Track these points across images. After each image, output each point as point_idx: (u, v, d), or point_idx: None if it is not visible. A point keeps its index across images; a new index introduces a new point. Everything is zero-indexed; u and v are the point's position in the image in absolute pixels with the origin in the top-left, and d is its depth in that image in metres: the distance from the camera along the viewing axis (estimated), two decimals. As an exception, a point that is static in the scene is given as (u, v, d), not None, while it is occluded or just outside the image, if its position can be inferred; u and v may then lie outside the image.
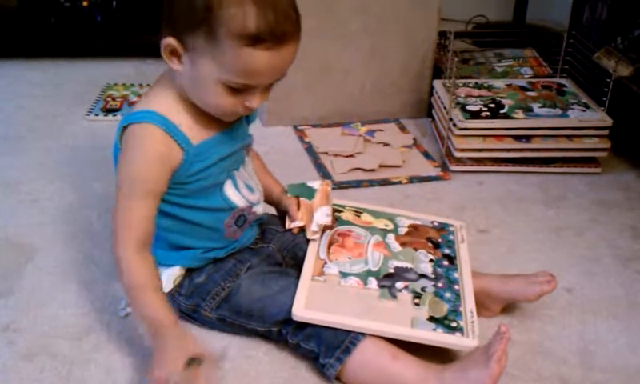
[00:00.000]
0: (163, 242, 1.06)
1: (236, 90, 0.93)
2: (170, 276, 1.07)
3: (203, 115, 0.99)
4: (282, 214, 1.20)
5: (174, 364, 0.88)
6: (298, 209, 1.16)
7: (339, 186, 1.52)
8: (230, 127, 1.04)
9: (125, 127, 0.99)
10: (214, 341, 1.06)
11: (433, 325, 0.98)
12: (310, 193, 1.19)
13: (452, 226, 1.23)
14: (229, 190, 1.05)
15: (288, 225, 1.16)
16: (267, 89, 0.97)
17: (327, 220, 1.14)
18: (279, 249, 1.15)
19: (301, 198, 1.18)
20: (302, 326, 0.99)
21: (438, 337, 0.97)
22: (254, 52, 0.89)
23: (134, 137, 0.98)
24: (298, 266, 1.12)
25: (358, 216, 1.21)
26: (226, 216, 1.06)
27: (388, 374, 0.95)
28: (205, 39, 0.90)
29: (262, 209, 1.12)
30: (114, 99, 1.92)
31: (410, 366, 0.95)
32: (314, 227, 1.13)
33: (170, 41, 0.92)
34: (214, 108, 0.97)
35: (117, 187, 0.99)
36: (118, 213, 0.98)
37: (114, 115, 1.83)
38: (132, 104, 1.89)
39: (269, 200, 1.20)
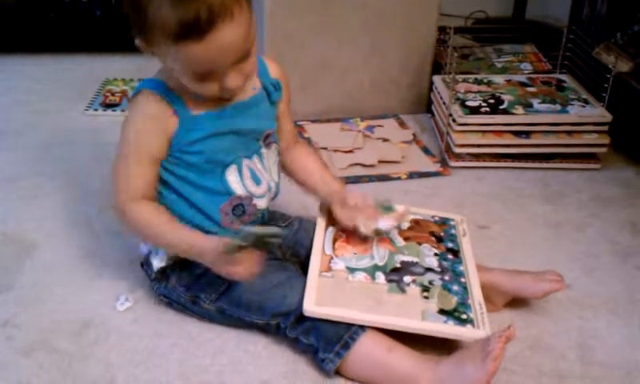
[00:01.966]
0: None
1: (205, 75, 0.94)
2: (164, 255, 1.08)
3: None
4: (349, 205, 1.11)
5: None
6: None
7: (338, 181, 1.52)
8: (241, 102, 1.03)
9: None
10: (212, 334, 1.07)
11: (444, 317, 0.99)
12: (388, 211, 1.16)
13: (453, 220, 1.23)
14: (230, 175, 1.05)
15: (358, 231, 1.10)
16: (240, 65, 0.95)
17: (388, 227, 1.10)
18: (279, 245, 1.15)
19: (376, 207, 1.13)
20: (301, 319, 0.99)
21: (449, 329, 0.97)
22: (189, 45, 0.88)
23: (131, 103, 1.02)
24: (299, 262, 1.12)
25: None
26: (223, 201, 1.06)
27: (384, 366, 0.95)
28: (149, 42, 0.93)
29: (265, 203, 1.11)
30: (113, 94, 1.92)
31: (405, 358, 0.95)
32: (372, 225, 1.09)
33: (137, 42, 0.95)
34: (197, 93, 0.98)
35: (117, 149, 1.03)
36: (114, 174, 1.03)
37: (113, 110, 1.83)
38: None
39: (329, 194, 1.14)
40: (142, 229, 1.02)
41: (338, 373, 0.98)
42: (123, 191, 1.01)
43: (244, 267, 0.96)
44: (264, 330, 1.05)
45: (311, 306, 0.98)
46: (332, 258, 1.08)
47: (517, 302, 1.15)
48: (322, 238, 1.12)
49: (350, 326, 0.97)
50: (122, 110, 1.82)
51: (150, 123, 1.00)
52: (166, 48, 0.90)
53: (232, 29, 0.88)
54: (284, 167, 1.18)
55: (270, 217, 1.18)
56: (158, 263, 1.08)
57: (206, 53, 0.89)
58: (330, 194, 1.14)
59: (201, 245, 0.98)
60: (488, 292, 1.09)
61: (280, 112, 1.13)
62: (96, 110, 1.83)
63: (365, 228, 1.10)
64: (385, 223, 1.10)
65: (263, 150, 1.10)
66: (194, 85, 0.95)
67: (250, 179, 1.08)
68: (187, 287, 1.07)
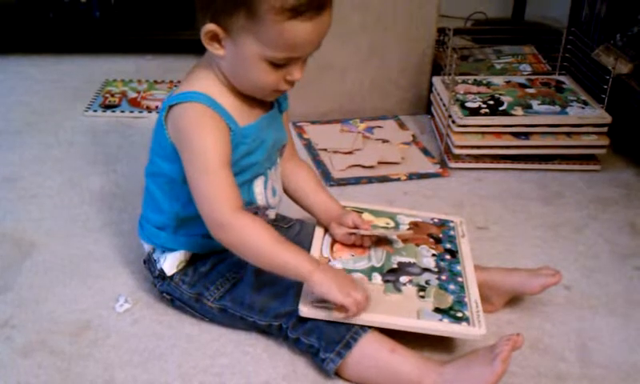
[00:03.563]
0: (169, 225, 1.07)
1: (279, 65, 0.96)
2: (174, 260, 1.08)
3: (245, 99, 1.02)
4: (346, 225, 1.11)
5: (357, 284, 0.97)
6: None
7: (338, 182, 1.52)
8: (270, 113, 1.06)
9: (170, 107, 1.00)
10: (211, 335, 1.07)
11: (439, 315, 0.99)
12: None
13: (452, 221, 1.23)
14: (257, 187, 1.07)
15: (356, 232, 1.10)
16: (305, 60, 0.99)
17: (387, 234, 1.11)
18: None
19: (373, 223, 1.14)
20: (303, 320, 0.99)
21: (444, 327, 0.97)
22: (297, 24, 0.90)
23: (187, 117, 0.98)
24: None
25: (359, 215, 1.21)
26: None
27: (386, 367, 0.95)
28: (246, 19, 0.92)
29: (274, 214, 1.13)
30: (112, 95, 1.92)
31: (408, 359, 0.95)
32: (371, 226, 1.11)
33: (210, 27, 0.94)
34: (258, 86, 0.99)
35: (189, 170, 0.98)
36: (203, 190, 0.97)
37: (113, 111, 1.83)
38: (131, 100, 1.89)
39: (325, 214, 1.14)
40: (250, 243, 0.96)
41: (339, 375, 0.98)
42: (225, 203, 0.96)
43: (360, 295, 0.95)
44: (265, 331, 1.05)
45: (307, 307, 0.98)
46: (329, 261, 1.08)
47: (516, 303, 1.15)
48: (320, 241, 1.13)
49: (351, 326, 0.97)
50: (122, 111, 1.82)
51: (217, 132, 0.98)
52: (271, 25, 0.90)
53: (329, 15, 0.95)
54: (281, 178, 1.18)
55: (275, 219, 1.18)
56: (168, 270, 1.08)
57: (308, 33, 0.92)
58: (327, 216, 1.14)
59: (308, 269, 0.95)
60: (486, 291, 1.09)
61: (283, 121, 1.13)
62: (95, 111, 1.83)
63: (365, 227, 1.10)
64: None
65: (278, 160, 1.11)
66: (265, 74, 0.96)
67: (270, 190, 1.09)
68: (191, 285, 1.07)
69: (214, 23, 0.94)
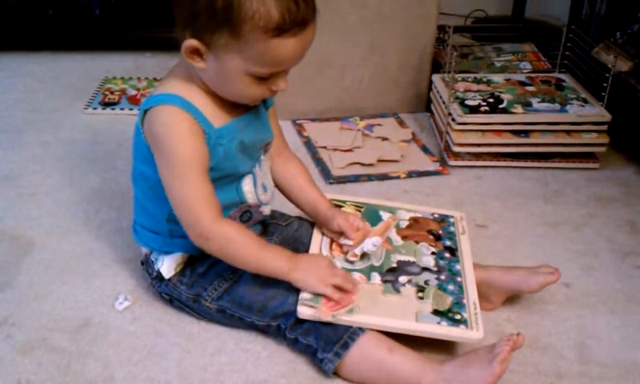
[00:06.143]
0: (164, 229, 1.07)
1: (263, 78, 0.95)
2: (172, 262, 1.08)
3: (223, 101, 1.01)
4: (333, 230, 1.13)
5: (336, 269, 1.01)
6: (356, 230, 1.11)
7: (337, 180, 1.52)
8: (250, 112, 1.04)
9: (146, 111, 0.99)
10: (211, 333, 1.07)
11: (437, 318, 0.99)
12: (375, 220, 1.17)
13: (452, 217, 1.23)
14: (246, 186, 1.06)
15: (341, 241, 1.11)
16: (288, 70, 0.99)
17: (372, 249, 1.09)
18: (281, 242, 1.14)
19: (365, 222, 1.14)
20: (301, 320, 0.99)
21: (442, 330, 0.97)
22: (282, 41, 0.90)
23: (161, 120, 0.97)
24: None
25: (359, 211, 1.21)
26: (233, 209, 1.06)
27: (385, 367, 0.95)
28: (229, 37, 0.91)
29: (269, 210, 1.13)
30: (112, 92, 1.92)
31: (407, 358, 0.95)
32: (356, 250, 1.09)
33: (191, 42, 0.93)
34: (241, 98, 0.99)
35: (164, 176, 0.98)
36: (180, 200, 0.98)
37: (112, 109, 1.83)
38: (130, 97, 1.89)
39: (313, 215, 1.15)
40: (232, 251, 0.99)
41: (338, 374, 0.98)
42: (205, 213, 0.97)
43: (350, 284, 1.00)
44: (263, 331, 1.05)
45: (305, 308, 0.98)
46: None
47: (515, 301, 1.15)
48: (318, 240, 1.13)
49: (349, 326, 0.97)
50: (121, 109, 1.82)
51: (192, 136, 0.97)
52: (255, 43, 0.90)
53: (313, 27, 0.93)
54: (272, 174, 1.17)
55: (273, 216, 1.18)
56: (166, 273, 1.08)
57: (293, 48, 0.92)
58: (315, 216, 1.15)
59: (286, 269, 0.99)
60: (485, 290, 1.10)
61: (270, 116, 1.12)
62: (95, 108, 1.83)
63: (351, 256, 1.09)
64: (370, 244, 1.09)
65: (262, 157, 1.10)
66: (249, 87, 0.96)
67: (260, 187, 1.09)
68: (189, 286, 1.07)
69: (196, 39, 0.93)
